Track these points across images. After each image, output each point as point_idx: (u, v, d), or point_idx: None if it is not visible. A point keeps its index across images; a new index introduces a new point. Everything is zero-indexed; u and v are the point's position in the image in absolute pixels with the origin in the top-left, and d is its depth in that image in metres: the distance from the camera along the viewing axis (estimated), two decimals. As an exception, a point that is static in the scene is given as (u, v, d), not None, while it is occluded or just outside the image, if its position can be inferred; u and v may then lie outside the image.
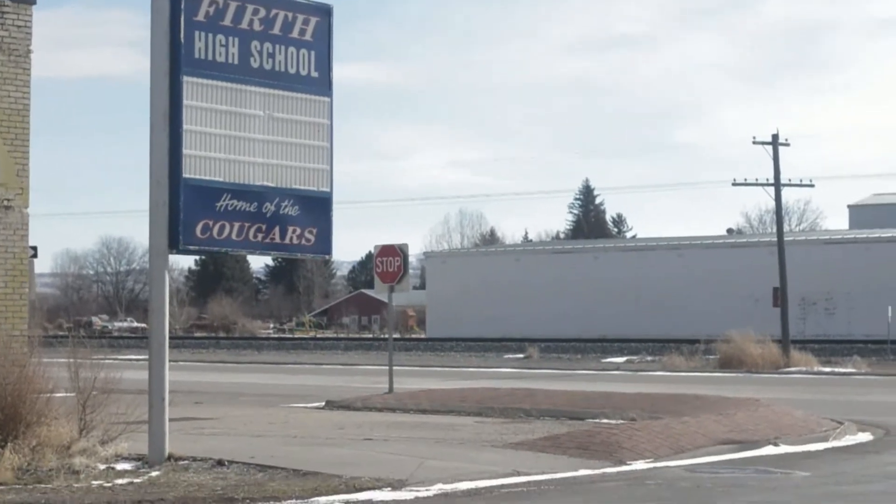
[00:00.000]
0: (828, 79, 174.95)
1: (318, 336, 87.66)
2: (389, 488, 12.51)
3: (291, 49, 14.89)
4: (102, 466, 13.60)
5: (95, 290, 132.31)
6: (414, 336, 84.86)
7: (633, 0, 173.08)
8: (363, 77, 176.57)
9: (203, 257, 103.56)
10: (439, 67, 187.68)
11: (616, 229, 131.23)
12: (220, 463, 13.96)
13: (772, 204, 50.12)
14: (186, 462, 14.04)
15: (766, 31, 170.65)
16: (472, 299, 75.07)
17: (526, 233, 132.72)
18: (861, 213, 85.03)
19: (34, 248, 18.66)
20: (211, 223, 14.15)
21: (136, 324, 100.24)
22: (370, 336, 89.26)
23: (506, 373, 42.31)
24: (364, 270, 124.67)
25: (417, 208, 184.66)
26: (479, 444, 16.50)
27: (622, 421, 19.40)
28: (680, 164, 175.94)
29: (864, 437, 18.99)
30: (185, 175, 13.98)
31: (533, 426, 19.05)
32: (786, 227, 61.98)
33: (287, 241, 14.81)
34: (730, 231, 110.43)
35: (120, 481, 12.73)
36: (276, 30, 14.77)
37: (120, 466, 13.73)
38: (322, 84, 15.13)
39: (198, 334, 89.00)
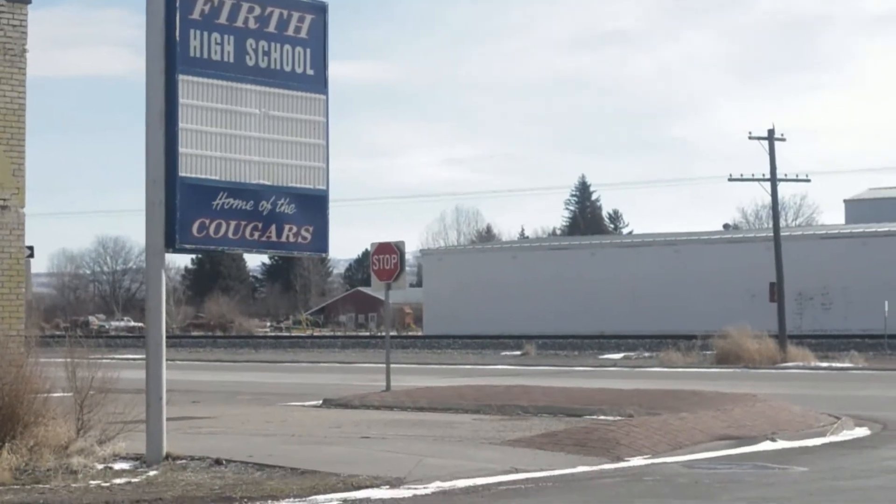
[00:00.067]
0: (824, 74, 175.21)
1: (315, 334, 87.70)
2: (387, 486, 12.50)
3: (287, 47, 14.89)
4: (100, 466, 13.59)
5: (92, 290, 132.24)
6: (411, 334, 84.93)
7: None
8: (359, 74, 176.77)
9: (200, 256, 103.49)
10: (435, 65, 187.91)
11: (612, 225, 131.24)
12: (217, 462, 13.95)
13: (768, 199, 50.30)
14: (184, 461, 14.03)
15: (762, 26, 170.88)
16: (468, 296, 75.00)
17: (522, 230, 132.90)
18: (857, 208, 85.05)
19: (31, 248, 18.66)
20: (207, 222, 14.14)
21: (132, 323, 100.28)
22: (367, 334, 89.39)
23: (503, 370, 42.33)
24: (361, 268, 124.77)
25: (414, 206, 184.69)
26: (477, 441, 16.49)
27: (620, 417, 19.41)
28: (676, 159, 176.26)
29: (862, 432, 19.01)
30: (182, 174, 13.97)
31: (530, 423, 19.05)
32: (782, 223, 61.88)
33: (283, 239, 14.81)
34: (726, 227, 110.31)
35: (118, 481, 12.73)
36: (272, 28, 14.78)
37: (118, 466, 13.73)
38: (318, 82, 15.13)
39: (195, 333, 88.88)
